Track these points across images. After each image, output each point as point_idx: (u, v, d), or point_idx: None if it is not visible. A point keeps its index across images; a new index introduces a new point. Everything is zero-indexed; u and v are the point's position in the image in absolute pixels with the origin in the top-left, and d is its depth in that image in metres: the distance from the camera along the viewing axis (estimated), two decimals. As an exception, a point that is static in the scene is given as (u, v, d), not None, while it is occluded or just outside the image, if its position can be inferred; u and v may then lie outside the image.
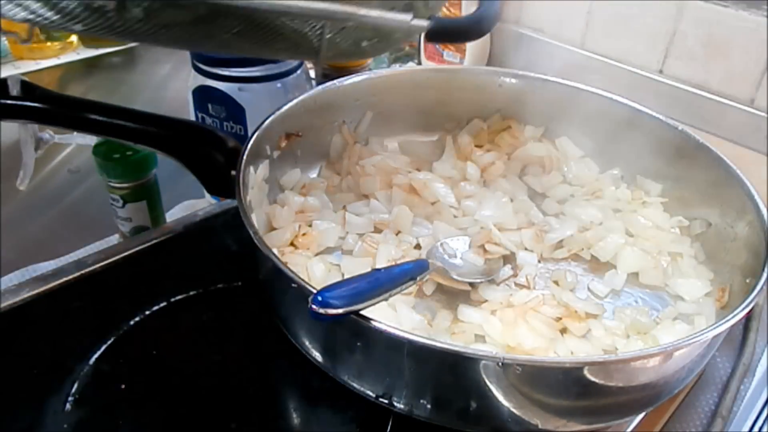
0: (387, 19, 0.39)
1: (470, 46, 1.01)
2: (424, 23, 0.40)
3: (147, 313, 0.59)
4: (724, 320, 0.43)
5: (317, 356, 0.49)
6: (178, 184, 0.71)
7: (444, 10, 0.93)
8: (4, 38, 0.93)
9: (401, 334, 0.41)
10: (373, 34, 0.43)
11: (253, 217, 0.50)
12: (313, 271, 0.55)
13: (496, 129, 0.73)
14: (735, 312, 0.44)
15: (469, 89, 0.68)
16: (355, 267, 0.57)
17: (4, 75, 0.55)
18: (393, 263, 0.56)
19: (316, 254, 0.59)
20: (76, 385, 0.52)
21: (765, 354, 0.61)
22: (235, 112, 0.70)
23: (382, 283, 0.44)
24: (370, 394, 0.47)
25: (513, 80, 0.70)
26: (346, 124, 0.69)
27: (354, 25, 0.39)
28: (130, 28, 0.37)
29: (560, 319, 0.53)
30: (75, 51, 0.96)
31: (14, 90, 0.54)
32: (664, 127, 0.64)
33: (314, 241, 0.58)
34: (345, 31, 0.41)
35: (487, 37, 0.98)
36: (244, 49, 0.44)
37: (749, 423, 0.55)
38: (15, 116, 0.56)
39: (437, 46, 1.04)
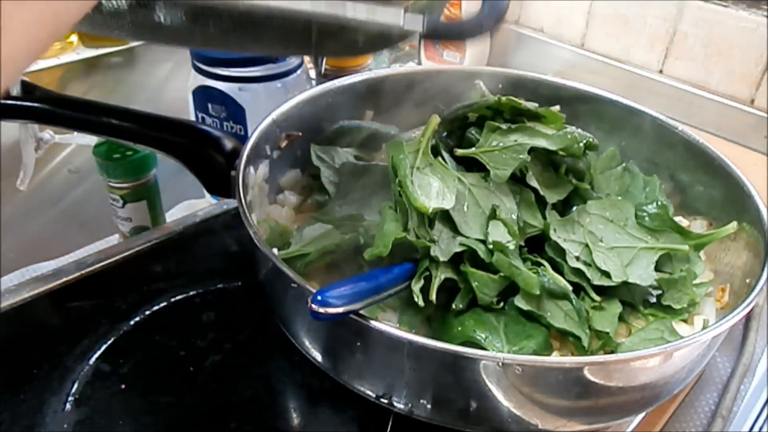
0: (376, 21, 0.37)
1: (470, 46, 1.01)
2: (417, 25, 0.38)
3: (147, 313, 0.59)
4: (724, 320, 0.43)
5: (317, 356, 0.49)
6: (178, 184, 0.71)
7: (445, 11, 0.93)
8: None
9: (401, 334, 0.41)
10: (367, 32, 0.42)
11: (253, 217, 0.50)
12: (313, 271, 0.55)
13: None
14: (735, 312, 0.44)
15: (469, 89, 0.68)
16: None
17: (4, 75, 0.55)
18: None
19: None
20: (76, 385, 0.52)
21: (765, 354, 0.61)
22: (235, 112, 0.70)
23: (381, 283, 0.44)
24: (370, 394, 0.47)
25: (513, 80, 0.70)
26: (346, 124, 0.69)
27: (343, 26, 0.38)
28: (112, 25, 0.38)
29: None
30: (75, 51, 0.96)
31: (14, 90, 0.54)
32: (664, 127, 0.64)
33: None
34: (336, 30, 0.40)
35: (487, 36, 0.98)
36: (235, 46, 0.44)
37: (749, 423, 0.55)
38: (15, 116, 0.56)
39: (437, 46, 1.04)
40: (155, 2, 0.36)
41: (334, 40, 0.41)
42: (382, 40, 0.42)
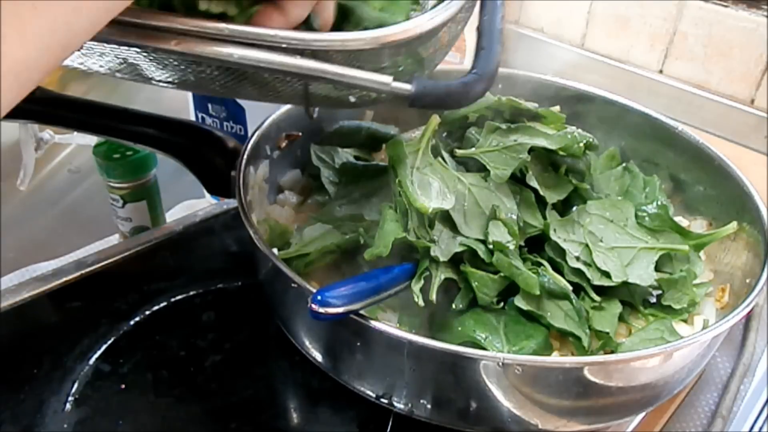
0: (365, 80, 0.36)
1: (470, 46, 1.01)
2: (406, 87, 0.37)
3: (147, 313, 0.59)
4: (724, 320, 0.43)
5: (317, 356, 0.49)
6: (178, 184, 0.71)
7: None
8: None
9: (401, 334, 0.41)
10: (358, 92, 0.41)
11: (253, 217, 0.50)
12: (313, 271, 0.55)
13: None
14: (735, 312, 0.44)
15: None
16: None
17: (4, 75, 0.55)
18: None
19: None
20: (76, 385, 0.52)
21: (765, 354, 0.61)
22: (235, 112, 0.70)
23: (381, 283, 0.44)
24: (370, 394, 0.47)
25: (512, 80, 0.70)
26: (346, 124, 0.69)
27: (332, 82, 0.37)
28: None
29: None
30: (75, 51, 0.96)
31: (14, 90, 0.54)
32: (664, 127, 0.64)
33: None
34: (327, 87, 0.40)
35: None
36: (226, 93, 0.44)
37: (749, 423, 0.55)
38: (15, 116, 0.56)
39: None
40: (147, 58, 0.36)
41: (325, 96, 0.41)
42: (372, 100, 0.42)
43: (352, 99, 0.41)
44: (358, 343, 0.44)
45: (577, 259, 0.51)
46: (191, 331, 0.58)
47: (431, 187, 0.49)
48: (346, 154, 0.62)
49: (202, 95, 0.71)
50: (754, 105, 0.85)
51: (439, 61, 0.44)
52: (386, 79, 0.36)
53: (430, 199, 0.48)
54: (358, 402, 0.47)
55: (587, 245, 0.52)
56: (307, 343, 0.49)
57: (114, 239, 0.71)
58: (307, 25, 0.35)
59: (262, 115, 0.60)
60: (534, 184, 0.53)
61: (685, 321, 0.52)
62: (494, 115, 0.58)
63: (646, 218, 0.55)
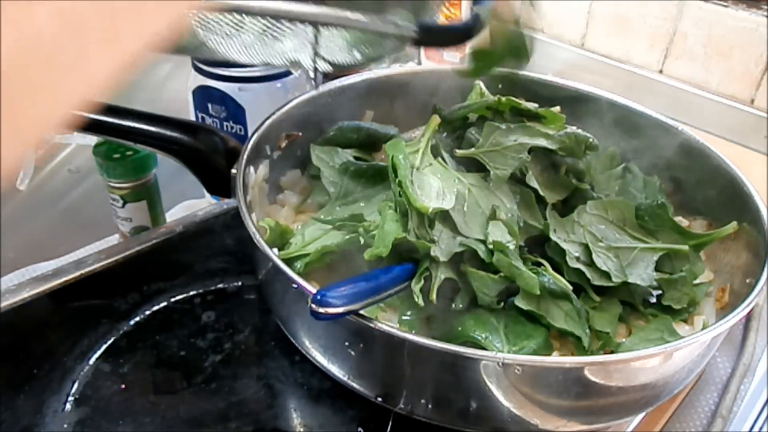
0: (372, 22, 0.39)
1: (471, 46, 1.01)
2: (412, 27, 0.41)
3: (147, 313, 0.59)
4: (724, 320, 0.43)
5: (317, 356, 0.49)
6: (178, 184, 0.71)
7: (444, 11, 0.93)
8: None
9: (401, 334, 0.41)
10: (363, 40, 0.43)
11: (253, 217, 0.50)
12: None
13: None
14: (735, 312, 0.44)
15: (469, 89, 0.68)
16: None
17: (4, 75, 0.55)
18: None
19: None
20: (76, 385, 0.52)
21: (765, 354, 0.61)
22: (235, 112, 0.70)
23: (381, 283, 0.44)
24: (370, 394, 0.47)
25: (512, 80, 0.70)
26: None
27: (341, 28, 0.40)
28: None
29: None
30: (75, 51, 0.96)
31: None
32: (664, 127, 0.64)
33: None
34: (334, 37, 0.41)
35: (487, 37, 0.98)
36: (231, 55, 0.45)
37: (749, 423, 0.55)
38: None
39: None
40: None
41: (332, 57, 0.43)
42: (378, 56, 0.44)
43: (358, 56, 0.43)
44: (358, 343, 0.44)
45: (577, 259, 0.51)
46: (191, 331, 0.58)
47: (431, 187, 0.49)
48: (346, 154, 0.62)
49: (202, 95, 0.71)
50: (754, 105, 0.85)
51: (437, 9, 0.47)
52: (393, 19, 0.40)
53: (430, 199, 0.48)
54: (358, 402, 0.47)
55: (587, 245, 0.52)
56: (307, 343, 0.49)
57: (114, 239, 0.71)
58: None
59: (262, 115, 0.60)
60: (534, 184, 0.53)
61: (685, 321, 0.52)
62: (494, 115, 0.58)
63: (646, 218, 0.55)
